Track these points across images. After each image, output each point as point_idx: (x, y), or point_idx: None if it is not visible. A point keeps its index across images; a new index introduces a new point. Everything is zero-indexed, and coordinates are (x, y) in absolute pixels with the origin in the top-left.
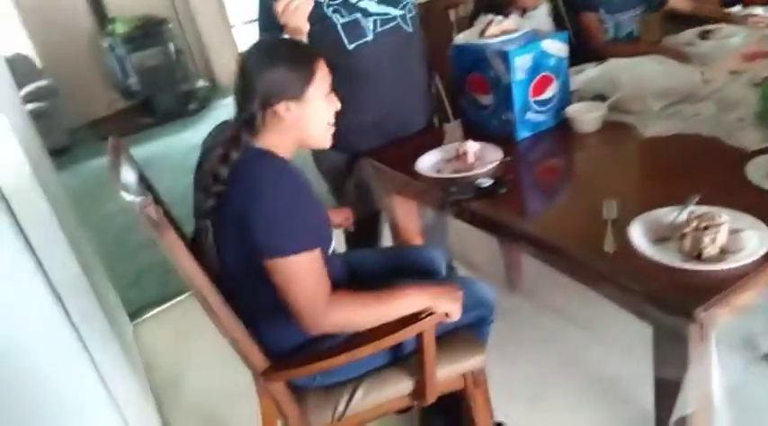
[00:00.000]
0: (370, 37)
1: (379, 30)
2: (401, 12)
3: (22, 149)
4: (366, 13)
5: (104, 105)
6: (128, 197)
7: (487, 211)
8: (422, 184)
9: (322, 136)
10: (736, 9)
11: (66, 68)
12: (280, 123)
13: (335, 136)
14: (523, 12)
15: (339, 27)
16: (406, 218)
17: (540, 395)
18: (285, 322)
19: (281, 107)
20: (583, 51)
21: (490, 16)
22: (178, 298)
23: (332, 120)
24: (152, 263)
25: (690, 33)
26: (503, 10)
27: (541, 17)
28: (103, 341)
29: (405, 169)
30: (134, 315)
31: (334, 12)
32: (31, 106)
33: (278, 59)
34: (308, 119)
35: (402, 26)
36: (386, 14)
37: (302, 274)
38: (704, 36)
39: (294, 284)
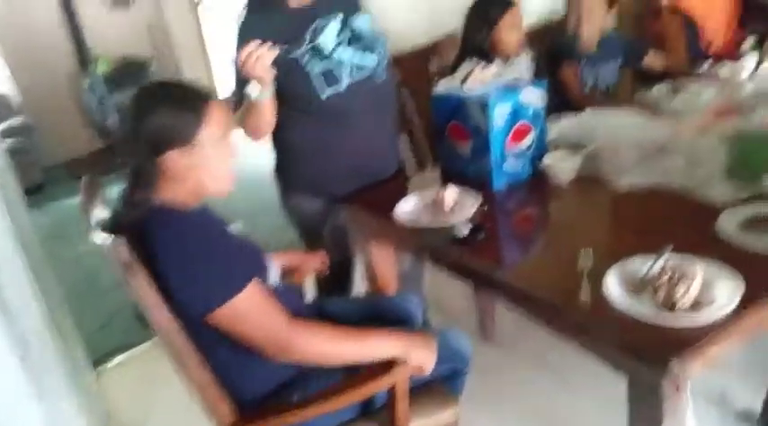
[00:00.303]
0: (342, 87)
1: (353, 80)
2: (376, 59)
3: None
4: (341, 63)
5: (82, 144)
6: (98, 238)
7: (464, 259)
8: (399, 231)
9: (221, 185)
10: (705, 66)
11: (44, 106)
12: (173, 173)
13: (309, 181)
14: (506, 59)
15: (312, 76)
16: (382, 264)
17: None
18: (255, 364)
19: (170, 155)
20: (561, 102)
21: (474, 62)
22: (145, 344)
23: (230, 168)
24: (121, 306)
25: (661, 88)
26: (487, 56)
27: (523, 65)
28: (61, 391)
29: (382, 215)
30: (99, 361)
31: (309, 61)
32: (6, 142)
33: (163, 102)
34: (203, 167)
35: (375, 76)
36: (361, 65)
37: (247, 312)
38: (675, 91)
39: (244, 325)
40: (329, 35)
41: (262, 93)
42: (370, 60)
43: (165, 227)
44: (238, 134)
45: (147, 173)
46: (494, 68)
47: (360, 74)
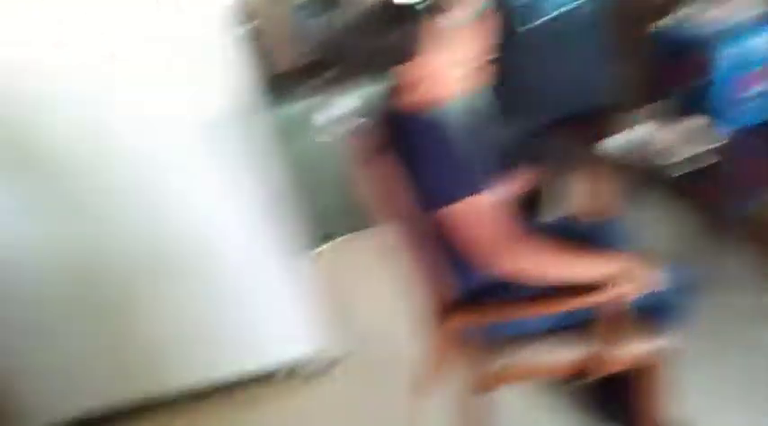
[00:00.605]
0: (545, 19)
1: (557, 12)
2: None
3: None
4: None
5: (293, 57)
6: (327, 136)
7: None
8: (620, 160)
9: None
10: None
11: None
12: (422, 78)
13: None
14: None
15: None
16: (603, 188)
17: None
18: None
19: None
20: None
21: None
22: (348, 235)
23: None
24: (340, 198)
25: None
26: None
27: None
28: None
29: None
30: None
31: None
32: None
33: (395, 22)
34: (446, 73)
35: (584, 5)
36: None
37: (473, 217)
38: None
39: (470, 229)
40: None
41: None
42: None
43: (422, 122)
44: None
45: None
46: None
47: (567, 4)
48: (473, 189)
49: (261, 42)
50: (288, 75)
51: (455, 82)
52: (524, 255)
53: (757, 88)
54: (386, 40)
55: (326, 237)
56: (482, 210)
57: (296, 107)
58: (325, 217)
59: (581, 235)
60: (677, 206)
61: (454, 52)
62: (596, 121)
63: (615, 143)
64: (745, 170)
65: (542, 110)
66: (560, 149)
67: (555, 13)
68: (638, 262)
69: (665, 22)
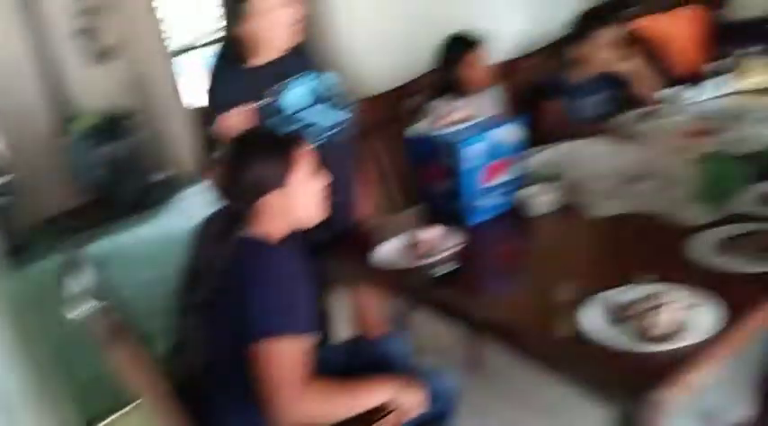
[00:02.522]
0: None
1: (318, 138)
2: (342, 118)
3: None
4: (307, 124)
5: (64, 200)
6: (75, 312)
7: (448, 298)
8: (380, 274)
9: (314, 214)
10: (674, 89)
11: (26, 164)
12: (270, 212)
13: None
14: (475, 94)
15: None
16: (368, 308)
17: None
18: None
19: (268, 198)
20: (541, 134)
21: (444, 101)
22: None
23: (322, 195)
24: (100, 373)
25: (633, 114)
26: (456, 93)
27: (492, 100)
28: None
29: (362, 260)
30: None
31: (273, 126)
32: None
33: (259, 152)
34: (296, 204)
35: (341, 133)
36: (326, 122)
37: (285, 358)
38: (646, 117)
39: (275, 368)
40: (294, 96)
41: None
42: (335, 119)
43: (254, 256)
44: None
45: (245, 213)
46: (464, 108)
47: (326, 133)
48: (296, 329)
49: (19, 193)
50: (63, 217)
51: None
52: (310, 404)
53: (501, 178)
54: (248, 174)
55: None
56: (290, 353)
57: (48, 266)
58: (92, 393)
59: (365, 357)
60: (441, 310)
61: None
62: (363, 235)
63: (382, 254)
64: (487, 264)
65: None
66: (332, 267)
67: (317, 142)
68: (413, 380)
69: (417, 126)
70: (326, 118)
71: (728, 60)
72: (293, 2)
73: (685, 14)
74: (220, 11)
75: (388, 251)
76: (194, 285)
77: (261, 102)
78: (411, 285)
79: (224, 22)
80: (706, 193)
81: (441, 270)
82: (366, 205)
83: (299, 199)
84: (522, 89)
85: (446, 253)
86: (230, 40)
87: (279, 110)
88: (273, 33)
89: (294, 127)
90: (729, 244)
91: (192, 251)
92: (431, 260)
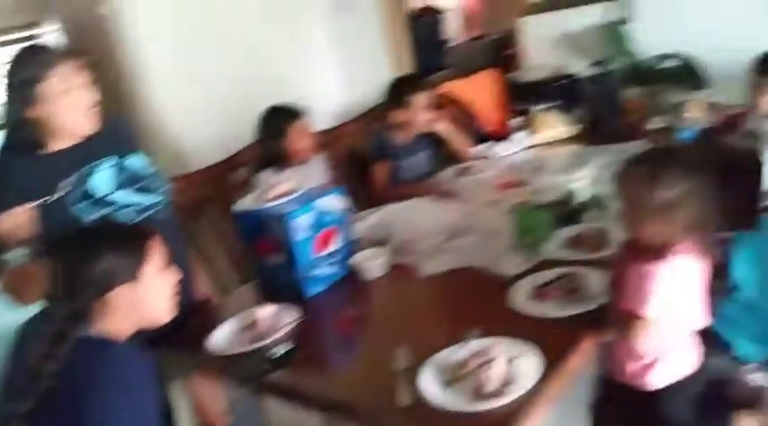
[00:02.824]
0: None
1: (136, 220)
2: (156, 199)
3: None
4: (118, 205)
5: None
6: None
7: (286, 380)
8: (217, 361)
9: (165, 311)
10: (484, 146)
11: None
12: (116, 309)
13: None
14: (300, 165)
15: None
16: (208, 399)
17: None
18: None
19: (114, 293)
20: (370, 198)
21: (269, 174)
22: None
23: (173, 292)
24: None
25: (450, 171)
26: (281, 164)
27: (318, 169)
28: None
29: (197, 348)
30: None
31: (81, 212)
32: None
33: (106, 245)
34: (147, 299)
35: (158, 214)
36: (140, 204)
37: None
38: (462, 173)
39: None
40: (102, 179)
41: (21, 256)
42: (149, 200)
43: (97, 357)
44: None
45: (87, 311)
46: (290, 181)
47: (141, 215)
48: None
49: None
50: None
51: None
52: None
53: (332, 247)
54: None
55: None
56: None
57: None
58: None
59: None
60: (282, 394)
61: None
62: (196, 320)
63: (217, 339)
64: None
65: None
66: (167, 359)
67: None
68: None
69: (244, 200)
70: (140, 199)
71: (525, 117)
72: (87, 85)
73: (484, 77)
74: (3, 97)
75: (223, 335)
76: (16, 395)
77: (56, 194)
78: (248, 370)
79: (8, 109)
80: (519, 243)
81: (278, 351)
82: (201, 287)
83: (150, 295)
84: (348, 155)
85: (283, 332)
86: (18, 128)
87: (88, 195)
88: (68, 118)
89: (105, 211)
90: (541, 291)
91: (10, 359)
92: (267, 341)
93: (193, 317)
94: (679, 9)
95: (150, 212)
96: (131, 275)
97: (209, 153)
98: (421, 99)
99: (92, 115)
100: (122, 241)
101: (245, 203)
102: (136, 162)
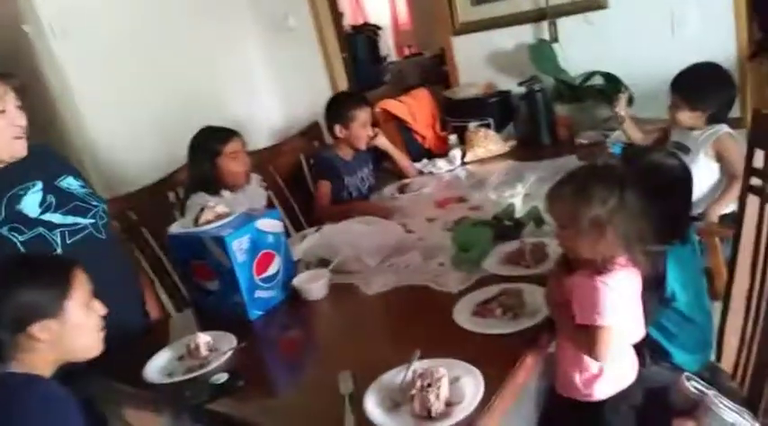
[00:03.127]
0: (59, 250)
1: (68, 241)
2: (91, 220)
3: None
4: (50, 226)
5: None
6: None
7: (227, 409)
8: (153, 393)
9: (91, 345)
10: (424, 162)
11: None
12: (38, 344)
13: None
14: (235, 188)
15: (19, 246)
16: None
17: None
18: None
19: (36, 328)
20: (313, 216)
21: (202, 198)
22: None
23: (100, 326)
24: None
25: (390, 189)
26: (215, 186)
27: (253, 192)
28: None
29: (133, 377)
30: None
31: (11, 231)
32: None
33: (27, 278)
34: (71, 334)
35: (94, 234)
36: (74, 225)
37: None
38: (402, 190)
39: None
40: (34, 200)
41: None
42: (83, 221)
43: (16, 395)
44: None
45: (6, 348)
46: (222, 207)
47: (76, 235)
48: None
49: None
50: None
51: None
52: None
53: (273, 269)
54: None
55: None
56: None
57: None
58: None
59: None
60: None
61: None
62: (141, 344)
63: (154, 367)
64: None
65: None
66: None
67: (63, 245)
68: None
69: (179, 223)
70: (74, 219)
71: (461, 134)
72: (17, 108)
73: (421, 94)
74: None
75: (160, 363)
76: None
77: None
78: (187, 400)
79: None
80: (460, 259)
81: (218, 379)
82: (151, 309)
83: (74, 330)
84: (289, 172)
85: (222, 359)
86: None
87: (19, 216)
88: None
89: (36, 232)
90: (483, 308)
91: None
92: (206, 369)
93: (133, 344)
94: (599, 31)
95: (85, 233)
96: (53, 310)
97: (143, 174)
98: (362, 115)
99: (21, 139)
100: (43, 274)
101: (180, 226)
102: (69, 183)
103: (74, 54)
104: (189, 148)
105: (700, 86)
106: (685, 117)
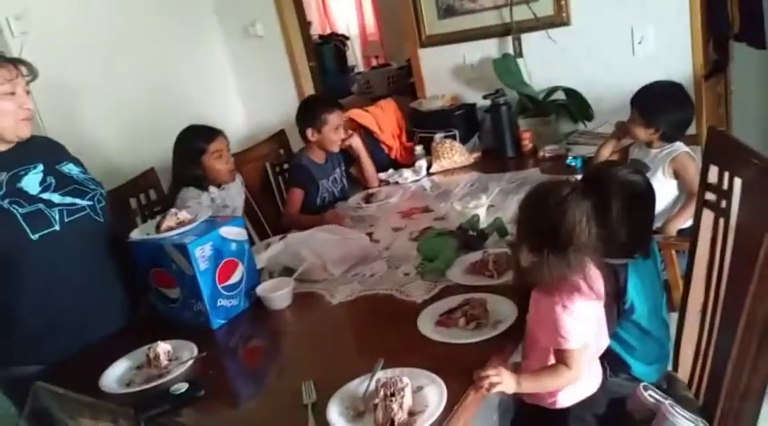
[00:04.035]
0: (57, 227)
1: (66, 220)
2: (89, 202)
3: None
4: (50, 204)
5: None
6: None
7: (188, 420)
8: (110, 403)
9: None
10: (391, 172)
11: None
12: None
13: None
14: (219, 186)
15: (20, 217)
16: None
17: None
18: None
19: None
20: (285, 221)
21: (192, 193)
22: None
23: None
24: None
25: (357, 198)
26: (200, 184)
27: (235, 190)
28: None
29: (89, 386)
30: None
31: (12, 204)
32: None
33: None
34: None
35: (92, 216)
36: (73, 205)
37: None
38: (368, 199)
39: None
40: (31, 181)
41: None
42: (82, 201)
43: None
44: None
45: None
46: (185, 213)
47: (74, 214)
48: None
49: None
50: None
51: None
52: None
53: (236, 277)
54: None
55: None
56: None
57: None
58: None
59: None
60: None
61: None
62: (107, 348)
63: (112, 376)
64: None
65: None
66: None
67: (62, 222)
68: None
69: (140, 228)
70: (71, 200)
71: (427, 145)
72: (23, 93)
73: (387, 105)
74: None
75: (118, 373)
76: None
77: None
78: (146, 410)
79: None
80: (425, 269)
81: (179, 389)
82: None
83: None
84: (258, 178)
85: (184, 368)
86: None
87: (19, 192)
88: (6, 122)
89: (35, 207)
90: (446, 318)
91: None
92: (167, 378)
93: (93, 349)
94: (562, 47)
95: (83, 213)
96: None
97: (103, 179)
98: (334, 118)
99: (24, 122)
100: None
101: (141, 232)
102: (70, 168)
103: (30, 54)
104: (174, 147)
105: (656, 104)
106: (641, 132)
